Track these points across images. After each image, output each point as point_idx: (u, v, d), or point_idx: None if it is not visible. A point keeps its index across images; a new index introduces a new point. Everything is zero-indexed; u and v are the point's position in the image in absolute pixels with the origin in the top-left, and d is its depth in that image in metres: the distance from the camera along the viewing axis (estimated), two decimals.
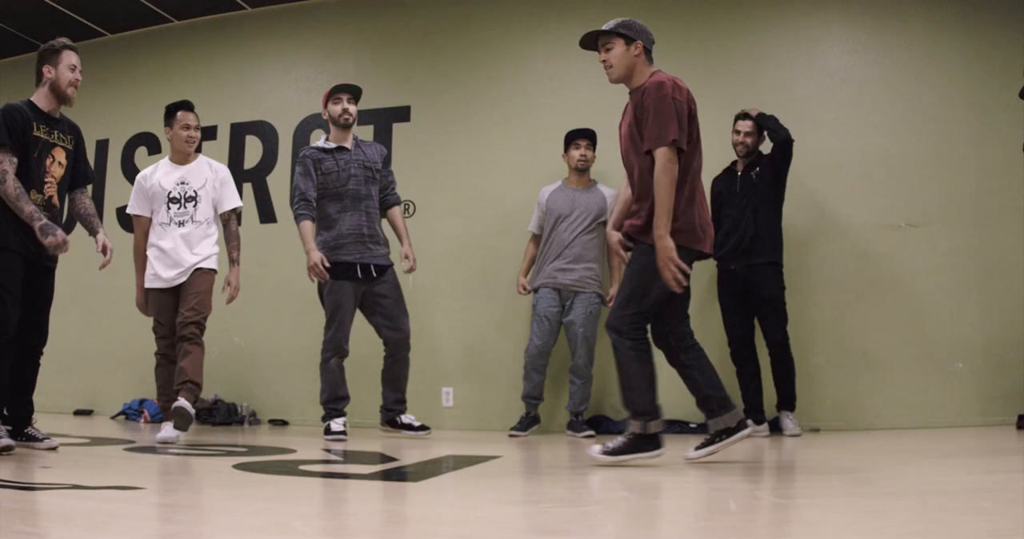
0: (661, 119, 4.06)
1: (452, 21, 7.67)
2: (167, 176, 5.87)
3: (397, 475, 4.23)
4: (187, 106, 5.95)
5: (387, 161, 6.38)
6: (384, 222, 6.32)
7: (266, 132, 7.99)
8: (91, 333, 8.18)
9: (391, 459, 4.82)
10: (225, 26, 8.38)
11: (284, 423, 7.33)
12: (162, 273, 5.74)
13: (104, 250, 5.01)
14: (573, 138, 6.59)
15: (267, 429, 6.99)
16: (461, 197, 7.22)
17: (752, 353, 6.17)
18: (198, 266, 5.74)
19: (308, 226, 6.03)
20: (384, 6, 7.91)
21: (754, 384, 6.14)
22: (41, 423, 5.22)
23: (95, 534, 2.50)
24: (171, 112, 5.95)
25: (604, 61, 4.38)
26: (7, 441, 4.41)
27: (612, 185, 6.67)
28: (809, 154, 6.56)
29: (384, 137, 7.39)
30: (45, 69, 4.87)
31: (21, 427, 4.86)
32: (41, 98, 4.87)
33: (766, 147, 6.31)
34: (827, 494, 3.28)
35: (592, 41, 4.43)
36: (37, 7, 8.01)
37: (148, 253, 5.80)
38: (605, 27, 4.34)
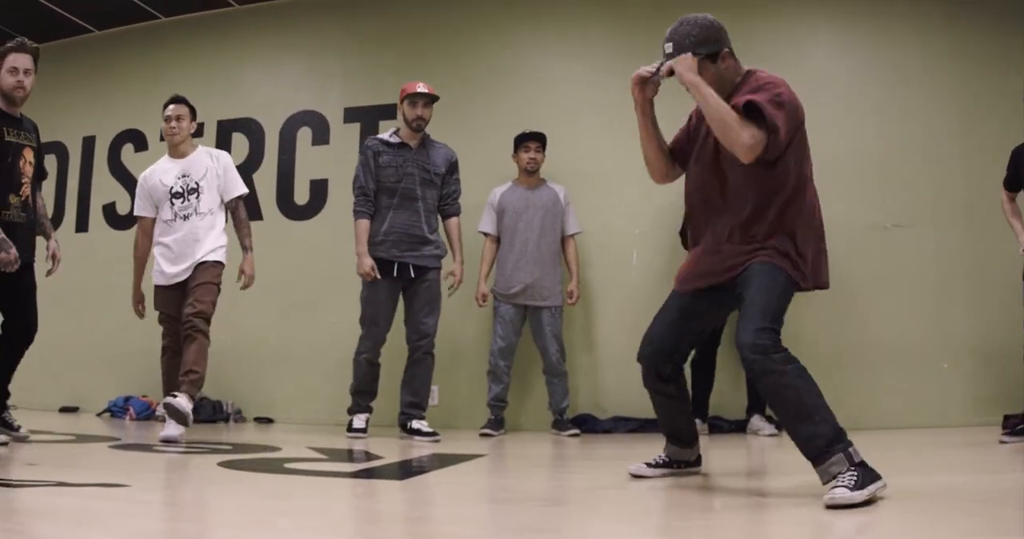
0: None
1: (439, 20, 7.66)
2: (167, 173, 5.79)
3: (382, 473, 4.24)
4: (173, 99, 5.85)
5: (453, 168, 6.25)
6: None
7: (252, 129, 7.97)
8: (77, 331, 8.15)
9: (376, 457, 4.82)
10: (212, 23, 8.36)
11: (269, 421, 7.32)
12: (166, 269, 5.66)
13: (53, 258, 5.12)
14: (523, 141, 6.60)
15: (252, 427, 6.98)
16: None
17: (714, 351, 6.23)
18: (203, 260, 5.62)
19: (363, 225, 5.99)
20: (371, 4, 7.90)
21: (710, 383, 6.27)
22: (26, 420, 5.22)
23: (79, 531, 2.50)
24: (164, 106, 5.90)
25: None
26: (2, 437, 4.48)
27: (562, 183, 6.73)
28: None
29: (370, 135, 7.36)
30: None
31: None
32: None
33: None
34: (811, 493, 3.29)
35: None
36: (24, 3, 7.97)
37: (155, 250, 5.74)
38: (671, 51, 3.67)
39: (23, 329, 4.96)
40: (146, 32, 8.57)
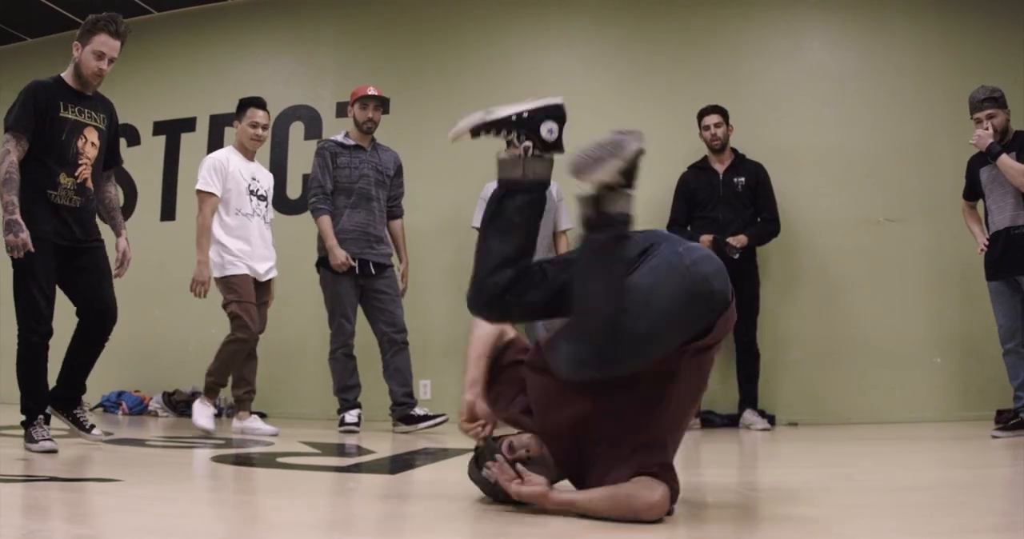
0: None
1: (432, 14, 7.65)
2: (242, 168, 5.84)
3: (374, 467, 4.23)
4: (259, 103, 5.87)
5: (399, 171, 6.41)
6: None
7: None
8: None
9: (368, 452, 4.82)
10: (205, 18, 8.34)
11: (262, 415, 7.28)
12: (256, 267, 5.80)
13: (123, 258, 4.78)
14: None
15: None
16: (439, 191, 7.21)
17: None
18: (272, 276, 5.97)
19: (326, 221, 6.10)
20: None
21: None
22: (18, 415, 5.19)
23: (72, 526, 2.49)
24: (243, 106, 5.87)
25: None
26: (51, 444, 4.27)
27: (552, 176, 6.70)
28: (788, 149, 6.58)
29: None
30: (75, 45, 4.59)
31: (70, 407, 4.78)
32: (70, 75, 4.61)
33: (741, 146, 6.35)
34: (804, 488, 3.30)
35: None
36: None
37: (230, 243, 5.71)
38: None
39: (99, 317, 4.71)
40: (139, 26, 8.49)
